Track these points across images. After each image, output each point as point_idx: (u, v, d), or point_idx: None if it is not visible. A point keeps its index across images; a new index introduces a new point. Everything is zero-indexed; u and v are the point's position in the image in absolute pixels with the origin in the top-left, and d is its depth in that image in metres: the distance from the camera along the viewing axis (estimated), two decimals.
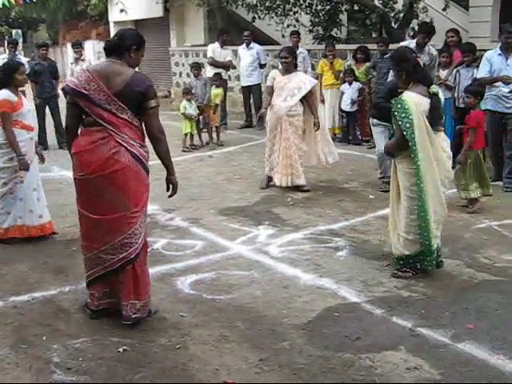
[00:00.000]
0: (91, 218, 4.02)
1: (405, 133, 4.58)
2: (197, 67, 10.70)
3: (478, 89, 6.64)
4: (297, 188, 7.38)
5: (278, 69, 7.63)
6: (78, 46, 10.93)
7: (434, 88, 4.79)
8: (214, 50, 12.05)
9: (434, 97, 4.74)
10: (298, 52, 10.98)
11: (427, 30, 8.31)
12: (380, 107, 7.09)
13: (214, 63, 11.74)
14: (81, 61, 10.61)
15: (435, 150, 4.68)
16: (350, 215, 6.41)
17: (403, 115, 4.58)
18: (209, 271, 5.03)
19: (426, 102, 4.69)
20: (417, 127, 4.57)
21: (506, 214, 6.23)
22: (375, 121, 7.25)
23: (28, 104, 5.91)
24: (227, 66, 11.91)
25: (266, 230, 6.04)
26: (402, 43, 8.56)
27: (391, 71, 8.19)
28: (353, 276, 4.85)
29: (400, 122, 4.60)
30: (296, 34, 11.39)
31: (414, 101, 4.63)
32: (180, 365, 3.63)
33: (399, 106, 4.62)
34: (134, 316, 4.06)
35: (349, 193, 7.30)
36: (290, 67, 7.38)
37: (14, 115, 5.60)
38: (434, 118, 4.74)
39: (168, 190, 4.22)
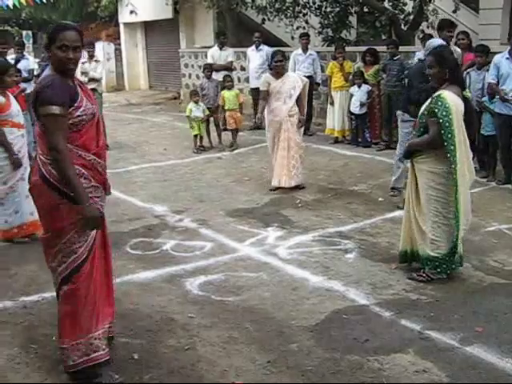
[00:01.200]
0: None
1: (443, 131, 4.48)
2: (209, 69, 10.67)
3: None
4: (297, 187, 7.47)
5: (270, 73, 7.68)
6: (90, 46, 10.99)
7: (467, 92, 4.68)
8: (213, 54, 12.09)
9: (467, 101, 4.67)
10: (307, 54, 11.08)
11: (451, 24, 7.55)
12: (423, 90, 5.68)
13: (215, 68, 11.74)
14: (94, 61, 10.65)
15: (467, 150, 4.65)
16: (359, 217, 6.40)
17: (444, 113, 4.47)
18: (218, 272, 5.04)
19: (461, 104, 4.62)
20: (456, 127, 4.49)
21: None
22: (406, 116, 6.46)
23: (16, 104, 5.88)
24: (229, 68, 11.94)
25: (275, 231, 6.05)
26: (418, 53, 8.48)
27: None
28: (361, 278, 4.85)
29: (441, 120, 4.48)
30: (305, 36, 11.43)
31: (454, 100, 4.54)
32: (188, 366, 3.64)
33: (440, 103, 4.50)
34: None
35: (358, 195, 7.29)
36: (282, 70, 7.58)
37: (3, 116, 5.62)
38: (469, 122, 4.67)
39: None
